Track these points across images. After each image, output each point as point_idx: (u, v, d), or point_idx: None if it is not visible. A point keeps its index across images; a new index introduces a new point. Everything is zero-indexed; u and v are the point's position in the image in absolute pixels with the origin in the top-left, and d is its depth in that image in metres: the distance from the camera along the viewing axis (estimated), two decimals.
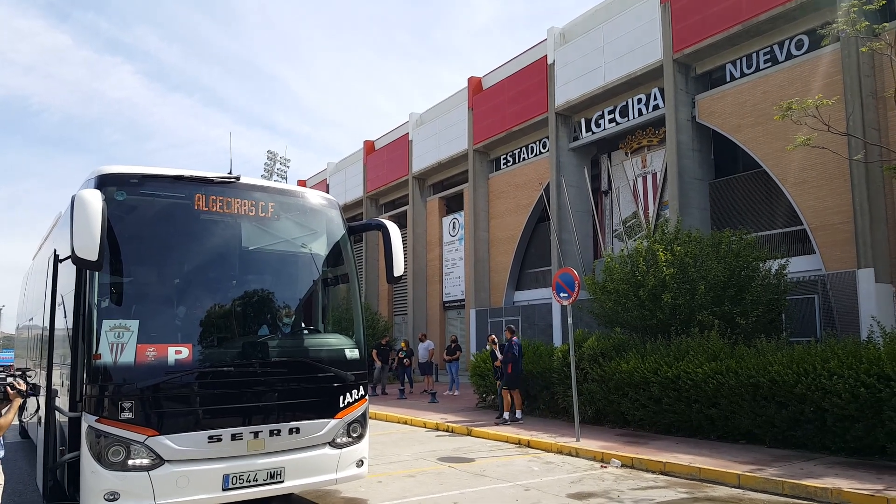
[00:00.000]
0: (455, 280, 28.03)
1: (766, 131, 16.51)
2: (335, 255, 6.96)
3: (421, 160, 29.40)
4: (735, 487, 7.50)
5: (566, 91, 21.96)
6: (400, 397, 18.00)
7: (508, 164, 25.80)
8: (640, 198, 20.58)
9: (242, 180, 6.25)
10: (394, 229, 6.87)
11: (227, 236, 6.22)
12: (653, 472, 8.41)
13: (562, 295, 10.63)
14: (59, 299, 6.12)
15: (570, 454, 9.63)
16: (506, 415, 12.53)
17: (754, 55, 17.63)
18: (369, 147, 33.79)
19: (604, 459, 9.09)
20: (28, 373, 4.96)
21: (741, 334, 11.14)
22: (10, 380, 4.49)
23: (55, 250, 6.22)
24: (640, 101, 20.13)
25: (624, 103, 20.59)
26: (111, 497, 5.01)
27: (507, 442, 10.82)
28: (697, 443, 9.68)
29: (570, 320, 10.70)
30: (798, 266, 14.96)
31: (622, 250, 15.02)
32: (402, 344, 20.18)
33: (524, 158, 25.04)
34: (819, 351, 8.99)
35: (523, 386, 13.16)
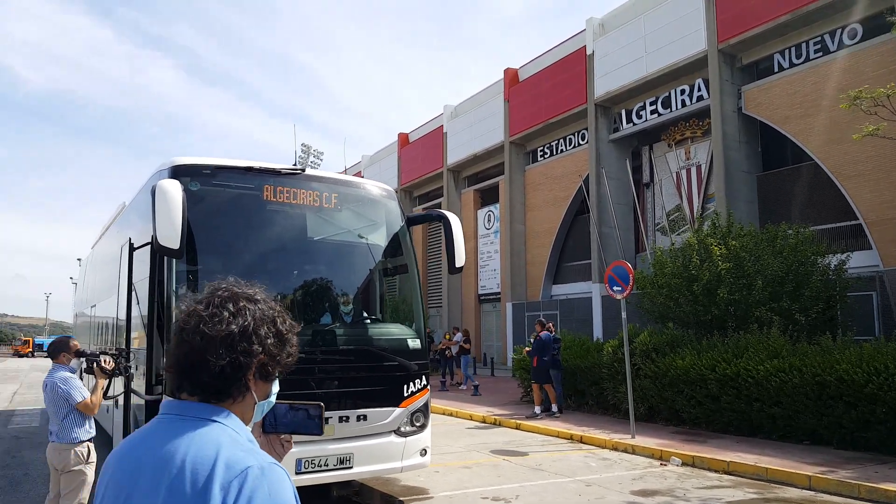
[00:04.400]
0: (490, 273, 27.88)
1: (818, 122, 16.03)
2: (394, 245, 6.97)
3: (455, 152, 29.25)
4: (806, 489, 7.26)
5: (606, 82, 21.60)
6: (441, 389, 17.95)
7: (545, 157, 25.53)
8: (683, 190, 20.16)
9: (307, 171, 6.28)
10: (454, 220, 6.77)
11: (294, 226, 6.34)
12: (716, 471, 8.19)
13: (615, 288, 10.42)
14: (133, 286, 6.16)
15: (626, 451, 9.44)
16: (535, 409, 12.34)
17: (804, 45, 17.11)
18: (403, 139, 33.75)
19: (662, 457, 8.88)
20: (123, 352, 4.87)
21: (801, 331, 10.82)
22: (101, 357, 4.41)
23: (129, 239, 6.29)
24: (683, 91, 19.69)
25: (666, 94, 20.17)
26: None
27: (558, 437, 10.67)
28: (758, 442, 9.41)
29: (623, 315, 10.49)
30: (853, 262, 14.50)
31: (672, 244, 14.71)
32: (446, 336, 20.14)
33: (562, 150, 24.74)
34: (891, 349, 8.65)
35: (570, 380, 12.98)
